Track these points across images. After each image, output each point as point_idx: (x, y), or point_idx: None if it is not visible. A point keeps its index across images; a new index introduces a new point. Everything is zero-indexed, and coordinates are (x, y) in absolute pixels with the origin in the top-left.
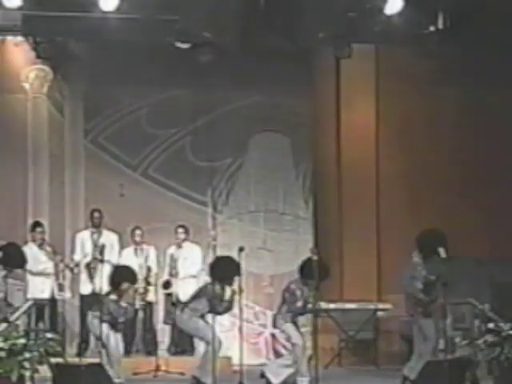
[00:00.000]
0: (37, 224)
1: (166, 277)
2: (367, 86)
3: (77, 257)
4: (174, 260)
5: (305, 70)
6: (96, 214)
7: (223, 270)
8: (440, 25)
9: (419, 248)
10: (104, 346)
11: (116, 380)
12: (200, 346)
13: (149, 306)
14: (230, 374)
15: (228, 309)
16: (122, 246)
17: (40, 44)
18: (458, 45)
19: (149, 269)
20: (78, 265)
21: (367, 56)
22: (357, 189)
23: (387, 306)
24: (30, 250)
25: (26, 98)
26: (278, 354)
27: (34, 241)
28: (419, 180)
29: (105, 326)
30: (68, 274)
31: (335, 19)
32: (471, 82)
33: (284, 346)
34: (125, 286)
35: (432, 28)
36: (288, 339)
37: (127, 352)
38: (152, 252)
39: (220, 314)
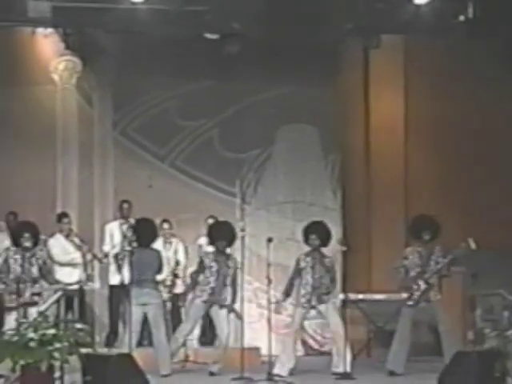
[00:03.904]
0: (63, 215)
1: (194, 267)
2: (396, 76)
3: (106, 247)
4: (203, 251)
5: (333, 60)
6: (125, 205)
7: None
8: (470, 14)
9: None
10: None
11: None
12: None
13: (176, 298)
14: (259, 365)
15: None
16: None
17: (69, 35)
18: (487, 34)
19: (177, 262)
20: (106, 255)
21: (396, 46)
22: (385, 179)
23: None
24: (58, 241)
25: (55, 90)
26: (306, 345)
27: (60, 231)
28: (448, 171)
29: None
30: (97, 264)
31: (363, 9)
32: (501, 72)
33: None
34: None
35: (461, 18)
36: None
37: None
38: (181, 246)
39: None
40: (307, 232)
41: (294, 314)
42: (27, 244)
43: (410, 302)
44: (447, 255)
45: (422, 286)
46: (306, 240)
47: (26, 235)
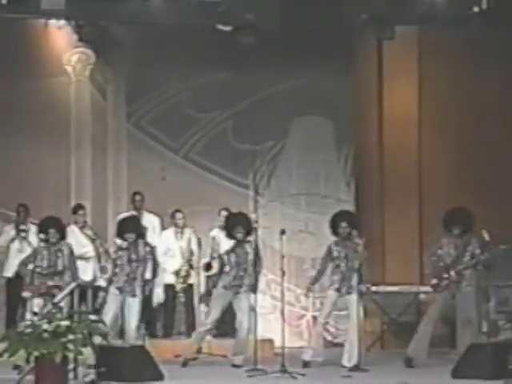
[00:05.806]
0: (79, 207)
1: (207, 259)
2: (410, 67)
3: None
4: (216, 242)
5: (347, 52)
6: (137, 197)
7: None
8: (484, 5)
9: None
10: None
11: None
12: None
13: (190, 289)
14: (272, 357)
15: None
16: (164, 229)
17: (83, 27)
18: (501, 26)
19: (191, 252)
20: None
21: (410, 37)
22: (399, 171)
23: (429, 288)
24: (72, 233)
25: (68, 82)
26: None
27: (75, 223)
28: (463, 163)
29: None
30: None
31: (377, 0)
32: None
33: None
34: None
35: (476, 9)
36: None
37: (168, 335)
38: (193, 236)
39: None
40: (337, 220)
41: (324, 300)
42: (53, 239)
43: (439, 290)
44: (484, 250)
45: (454, 276)
46: (335, 229)
47: (52, 231)
